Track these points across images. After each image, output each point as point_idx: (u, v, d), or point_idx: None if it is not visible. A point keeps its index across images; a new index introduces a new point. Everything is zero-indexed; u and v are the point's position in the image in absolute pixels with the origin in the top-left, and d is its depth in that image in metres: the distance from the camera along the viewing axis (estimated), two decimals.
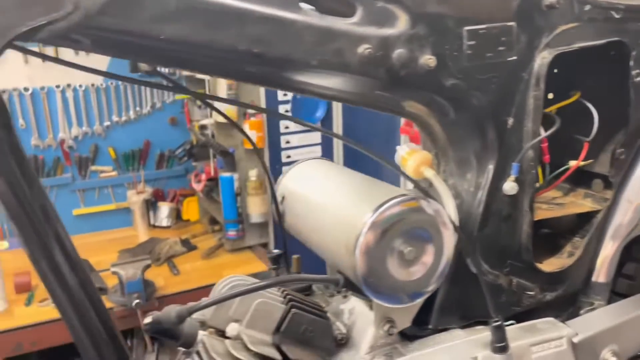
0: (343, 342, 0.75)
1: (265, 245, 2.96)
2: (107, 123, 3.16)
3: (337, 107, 2.97)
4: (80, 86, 3.06)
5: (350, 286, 0.70)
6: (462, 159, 0.75)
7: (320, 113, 2.92)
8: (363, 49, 0.63)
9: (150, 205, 3.25)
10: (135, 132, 3.23)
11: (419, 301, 0.70)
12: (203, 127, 2.91)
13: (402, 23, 0.65)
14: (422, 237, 0.67)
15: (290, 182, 0.83)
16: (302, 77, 0.66)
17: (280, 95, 2.83)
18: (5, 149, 0.54)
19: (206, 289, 2.71)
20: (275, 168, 2.91)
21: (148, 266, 2.41)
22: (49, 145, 3.05)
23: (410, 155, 0.78)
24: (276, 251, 0.86)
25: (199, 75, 2.94)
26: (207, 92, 2.74)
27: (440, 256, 0.68)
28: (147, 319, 0.66)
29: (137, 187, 3.20)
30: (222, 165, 2.75)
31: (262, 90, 2.77)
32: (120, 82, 3.14)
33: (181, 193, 3.36)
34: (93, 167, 3.19)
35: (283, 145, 2.92)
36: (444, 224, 0.68)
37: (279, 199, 0.82)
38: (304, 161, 0.87)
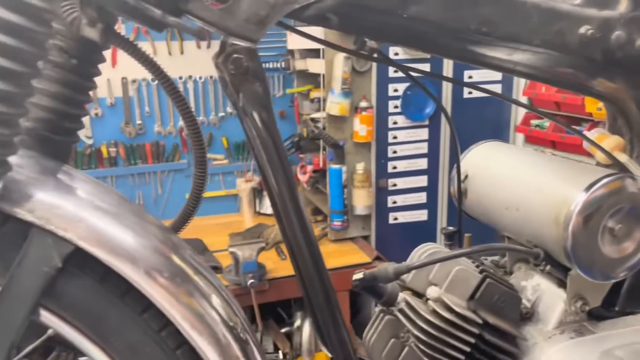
0: (527, 317, 0.78)
1: (366, 238, 3.01)
2: (221, 114, 3.34)
3: (447, 105, 2.96)
4: (200, 78, 3.25)
5: (548, 260, 0.72)
6: None
7: (429, 110, 2.93)
8: (585, 29, 0.66)
9: (257, 193, 3.39)
10: None
11: (620, 278, 0.72)
12: (314, 120, 3.01)
13: (622, 6, 0.67)
14: (631, 214, 0.68)
15: (472, 162, 0.87)
16: (515, 56, 0.69)
17: (391, 90, 2.87)
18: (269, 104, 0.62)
19: None
20: (380, 162, 2.96)
21: (262, 249, 2.53)
22: (169, 133, 3.27)
23: (601, 140, 0.79)
24: (451, 228, 0.89)
25: (312, 70, 3.05)
26: (322, 87, 2.83)
27: None
28: (358, 275, 0.72)
29: (246, 176, 3.36)
30: (332, 157, 2.83)
31: (373, 86, 2.83)
32: None
33: None
34: (207, 155, 3.38)
35: (390, 140, 2.95)
36: None
37: (461, 177, 0.86)
38: (481, 143, 0.90)
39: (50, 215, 0.56)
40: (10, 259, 0.57)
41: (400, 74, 2.85)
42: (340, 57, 2.71)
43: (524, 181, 0.76)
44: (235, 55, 0.58)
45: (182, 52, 3.18)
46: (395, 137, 2.94)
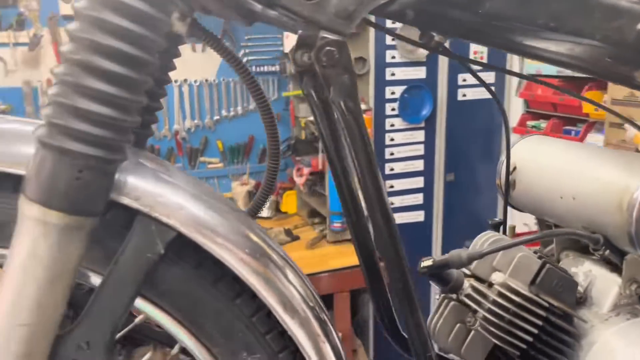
0: (581, 301, 0.81)
1: None
2: (216, 117, 3.33)
3: (442, 107, 3.02)
4: (196, 81, 3.24)
5: (607, 245, 0.76)
6: None
7: (426, 112, 2.98)
8: None
9: (252, 196, 3.39)
10: (242, 127, 3.39)
11: None
12: (314, 123, 3.03)
13: None
14: None
15: (519, 155, 0.90)
16: (575, 51, 0.73)
17: (388, 93, 2.92)
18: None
19: (315, 276, 2.83)
20: (378, 164, 3.00)
21: None
22: (164, 136, 3.25)
23: None
24: (497, 219, 0.93)
25: None
26: None
27: None
28: (427, 262, 0.74)
29: (242, 179, 3.36)
30: None
31: (371, 88, 2.87)
32: (230, 79, 3.31)
33: (281, 186, 3.49)
34: (202, 159, 3.37)
35: (387, 142, 3.00)
36: None
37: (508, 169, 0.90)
38: (526, 137, 0.94)
39: (154, 202, 0.57)
40: (111, 246, 0.58)
41: (396, 78, 2.90)
42: None
43: (579, 170, 0.80)
44: (327, 48, 0.60)
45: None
46: (392, 139, 2.99)
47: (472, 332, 0.76)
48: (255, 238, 0.64)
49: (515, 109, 2.93)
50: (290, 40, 3.08)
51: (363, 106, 2.83)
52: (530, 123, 2.52)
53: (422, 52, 2.88)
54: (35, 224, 0.49)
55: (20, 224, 0.50)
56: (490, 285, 0.76)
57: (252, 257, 0.61)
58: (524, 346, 0.73)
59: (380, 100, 2.91)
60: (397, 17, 0.68)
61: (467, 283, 0.76)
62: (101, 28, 0.47)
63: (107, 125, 0.49)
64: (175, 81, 3.19)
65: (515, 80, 2.93)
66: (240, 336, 0.63)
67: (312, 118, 3.15)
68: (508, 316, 0.72)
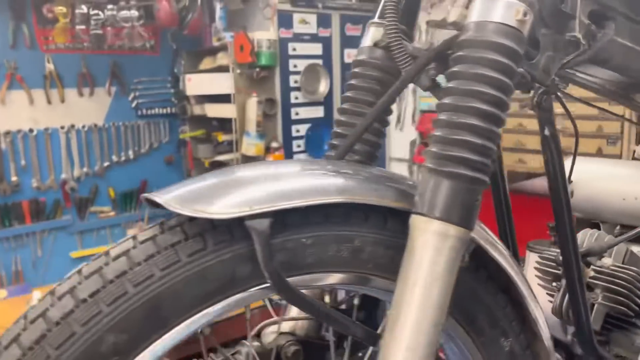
0: None
1: None
2: (107, 163, 3.12)
3: None
4: (83, 127, 3.01)
5: None
6: None
7: (327, 147, 3.21)
8: None
9: None
10: (134, 172, 3.22)
11: None
12: (219, 164, 3.03)
13: None
14: None
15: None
16: (623, 87, 1.02)
17: (294, 131, 3.09)
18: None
19: None
20: None
21: None
22: (49, 187, 2.93)
23: None
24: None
25: (212, 115, 3.08)
26: (235, 130, 2.90)
27: None
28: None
29: (140, 226, 3.18)
30: None
31: (279, 127, 3.00)
32: (120, 123, 3.14)
33: None
34: (92, 208, 3.11)
35: None
36: None
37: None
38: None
39: None
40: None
41: (300, 117, 3.09)
42: (253, 102, 2.84)
43: (637, 176, 1.09)
44: (544, 96, 0.78)
45: (62, 101, 2.91)
46: None
47: (596, 305, 0.97)
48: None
49: (396, 141, 3.32)
50: (193, 84, 3.06)
51: (276, 144, 2.96)
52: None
53: (322, 93, 3.13)
54: (437, 237, 0.57)
55: (415, 237, 0.58)
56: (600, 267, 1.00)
57: (512, 259, 0.75)
58: (637, 308, 0.97)
59: (288, 138, 3.06)
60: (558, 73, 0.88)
61: (587, 270, 0.98)
62: (483, 82, 0.59)
63: (490, 156, 0.60)
64: (62, 127, 2.92)
65: (394, 116, 3.35)
66: (500, 325, 0.75)
67: (218, 158, 3.12)
68: (625, 283, 0.96)
